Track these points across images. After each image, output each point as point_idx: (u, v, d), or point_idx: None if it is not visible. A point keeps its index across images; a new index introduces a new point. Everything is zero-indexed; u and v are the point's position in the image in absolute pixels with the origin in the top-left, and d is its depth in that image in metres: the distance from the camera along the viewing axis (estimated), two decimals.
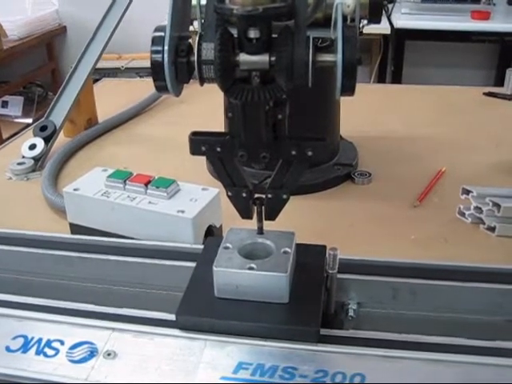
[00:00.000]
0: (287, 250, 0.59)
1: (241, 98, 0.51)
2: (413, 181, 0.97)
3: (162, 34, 0.51)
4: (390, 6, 2.71)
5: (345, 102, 0.93)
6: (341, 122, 1.04)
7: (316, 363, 0.52)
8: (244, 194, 0.59)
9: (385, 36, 2.68)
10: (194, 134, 0.57)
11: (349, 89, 0.50)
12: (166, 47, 0.51)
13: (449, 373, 0.51)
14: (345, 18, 0.50)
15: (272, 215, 0.60)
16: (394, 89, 1.85)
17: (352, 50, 0.49)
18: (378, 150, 1.10)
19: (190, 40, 0.54)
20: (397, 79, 2.80)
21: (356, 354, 0.53)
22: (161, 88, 0.53)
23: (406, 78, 2.82)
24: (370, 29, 0.89)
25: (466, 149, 1.11)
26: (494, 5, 2.83)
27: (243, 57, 0.51)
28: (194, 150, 0.57)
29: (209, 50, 0.51)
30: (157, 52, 0.51)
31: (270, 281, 0.56)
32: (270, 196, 0.58)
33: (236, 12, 0.48)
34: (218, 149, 0.56)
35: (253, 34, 0.50)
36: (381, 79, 2.82)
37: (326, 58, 0.51)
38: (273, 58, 0.50)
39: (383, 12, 2.65)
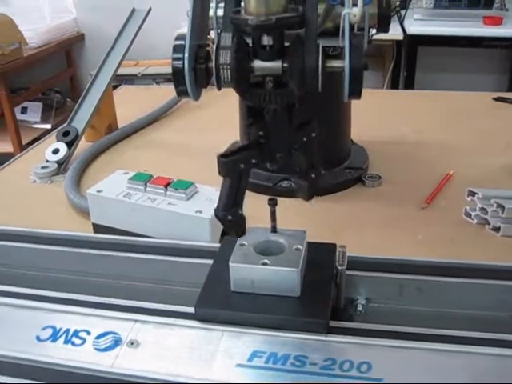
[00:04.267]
0: (299, 247, 0.61)
1: (256, 100, 0.54)
2: (421, 184, 0.99)
3: (183, 42, 0.54)
4: (402, 12, 2.73)
5: (356, 106, 0.96)
6: (352, 127, 1.06)
7: (325, 352, 0.54)
8: (240, 212, 0.58)
9: (398, 42, 2.69)
10: (223, 156, 0.55)
11: (355, 92, 0.53)
12: (186, 55, 0.54)
13: (452, 362, 0.53)
14: (352, 27, 0.53)
15: (312, 194, 0.59)
16: (404, 94, 1.87)
17: (358, 56, 0.52)
18: (388, 154, 1.12)
19: (208, 48, 0.58)
20: (409, 84, 2.80)
21: (363, 343, 0.55)
22: (181, 92, 0.55)
23: (418, 83, 2.82)
24: (383, 35, 0.90)
25: (474, 153, 1.13)
26: (507, 10, 2.83)
27: (257, 63, 0.53)
28: (228, 171, 0.56)
29: (226, 55, 0.53)
30: (178, 59, 0.54)
31: (282, 275, 0.58)
32: (313, 176, 0.58)
33: (250, 22, 0.51)
34: (254, 160, 0.56)
35: (266, 41, 0.53)
36: (394, 84, 2.82)
37: (335, 64, 0.53)
38: (285, 65, 0.53)
39: (396, 18, 2.64)
